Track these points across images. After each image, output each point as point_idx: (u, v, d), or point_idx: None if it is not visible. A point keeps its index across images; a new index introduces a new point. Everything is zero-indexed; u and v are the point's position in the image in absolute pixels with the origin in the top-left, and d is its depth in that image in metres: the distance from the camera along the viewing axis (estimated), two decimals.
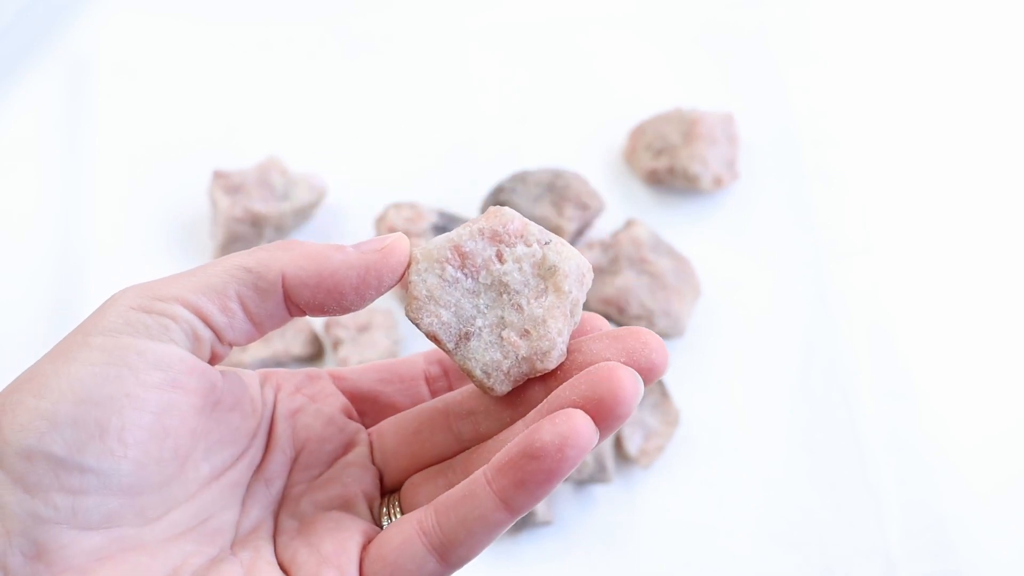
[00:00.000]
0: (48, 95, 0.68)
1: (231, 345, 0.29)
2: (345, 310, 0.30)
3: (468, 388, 0.32)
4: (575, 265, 0.30)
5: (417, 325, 0.30)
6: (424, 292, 0.30)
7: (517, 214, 0.31)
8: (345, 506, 0.31)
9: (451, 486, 0.30)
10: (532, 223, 0.31)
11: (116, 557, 0.27)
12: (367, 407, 0.34)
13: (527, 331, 0.30)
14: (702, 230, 0.63)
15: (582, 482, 0.53)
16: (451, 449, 0.32)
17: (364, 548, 0.30)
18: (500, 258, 0.30)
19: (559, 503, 0.54)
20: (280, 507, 0.32)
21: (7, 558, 0.26)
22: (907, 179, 0.66)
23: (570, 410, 0.27)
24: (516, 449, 0.27)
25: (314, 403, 0.33)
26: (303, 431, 0.32)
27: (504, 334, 0.30)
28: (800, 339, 0.59)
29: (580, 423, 0.27)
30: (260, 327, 0.30)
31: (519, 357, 0.30)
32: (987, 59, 0.71)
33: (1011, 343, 0.60)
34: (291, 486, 0.32)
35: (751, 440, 0.57)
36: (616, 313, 0.58)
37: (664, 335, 0.58)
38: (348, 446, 0.33)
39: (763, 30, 0.71)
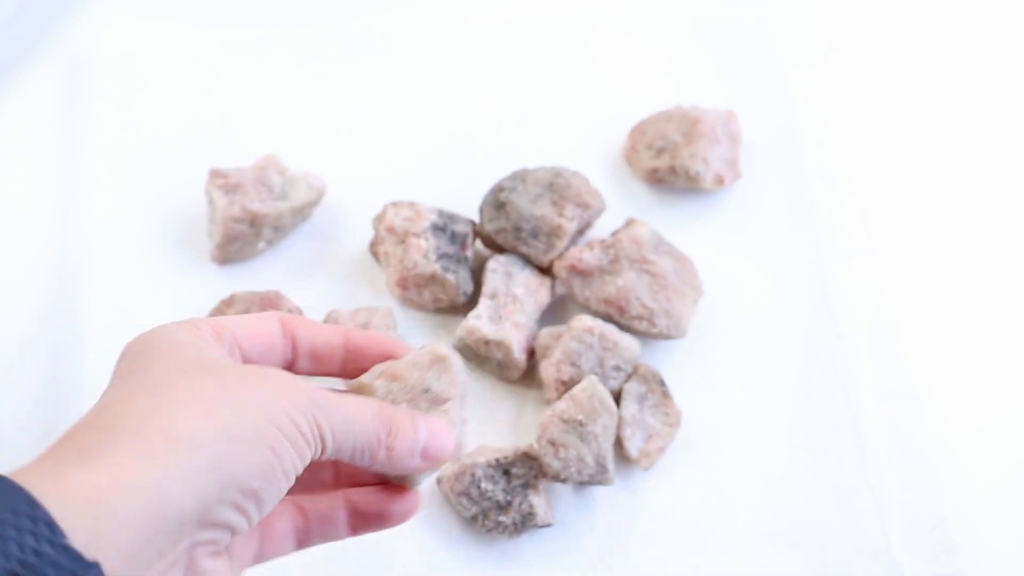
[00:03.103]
0: (46, 95, 0.68)
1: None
2: None
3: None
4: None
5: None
6: None
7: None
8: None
9: None
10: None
11: None
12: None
13: None
14: (703, 230, 0.63)
15: (583, 483, 0.53)
16: None
17: None
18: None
19: (560, 505, 0.54)
20: None
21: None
22: (909, 179, 0.66)
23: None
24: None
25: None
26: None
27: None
28: (802, 339, 0.59)
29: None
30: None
31: None
32: (991, 58, 0.71)
33: (1013, 343, 0.60)
34: None
35: (752, 441, 0.56)
36: (616, 313, 0.57)
37: (665, 335, 0.57)
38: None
39: (765, 28, 0.70)
